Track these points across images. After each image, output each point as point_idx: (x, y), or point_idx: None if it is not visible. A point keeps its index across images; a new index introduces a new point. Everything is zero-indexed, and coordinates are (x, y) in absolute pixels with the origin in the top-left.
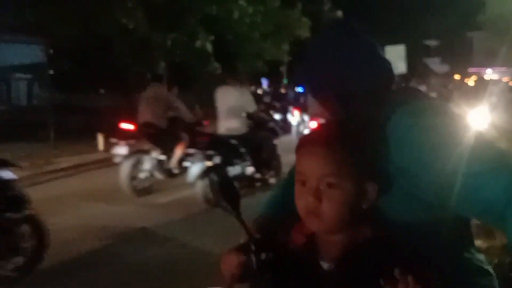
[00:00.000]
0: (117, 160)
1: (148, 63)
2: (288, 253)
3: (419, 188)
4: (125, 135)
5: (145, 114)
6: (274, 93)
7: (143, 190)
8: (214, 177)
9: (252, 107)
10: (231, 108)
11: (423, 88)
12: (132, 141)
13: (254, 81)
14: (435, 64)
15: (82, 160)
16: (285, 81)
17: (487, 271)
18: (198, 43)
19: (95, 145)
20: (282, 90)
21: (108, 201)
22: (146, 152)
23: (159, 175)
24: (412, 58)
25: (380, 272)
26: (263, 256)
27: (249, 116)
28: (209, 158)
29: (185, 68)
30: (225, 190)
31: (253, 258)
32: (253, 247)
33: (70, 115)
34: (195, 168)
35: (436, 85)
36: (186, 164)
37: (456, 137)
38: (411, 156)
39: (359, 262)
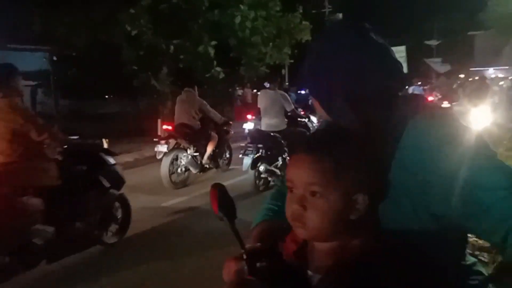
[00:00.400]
0: (159, 156)
1: (153, 69)
2: (280, 261)
3: (429, 196)
4: (165, 135)
5: (180, 116)
6: None
7: (180, 183)
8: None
9: (289, 106)
10: (272, 108)
11: (424, 88)
12: (171, 140)
13: (257, 85)
14: (437, 64)
15: None
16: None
17: (480, 272)
18: (201, 48)
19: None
20: None
21: (150, 193)
22: (183, 149)
23: (193, 170)
24: (413, 59)
25: (371, 285)
26: (257, 264)
27: (287, 114)
28: (257, 150)
29: (188, 73)
30: (222, 203)
31: (245, 267)
32: (244, 256)
33: (77, 121)
34: (247, 160)
35: (441, 84)
36: (240, 156)
37: (470, 149)
38: (424, 164)
39: (347, 274)
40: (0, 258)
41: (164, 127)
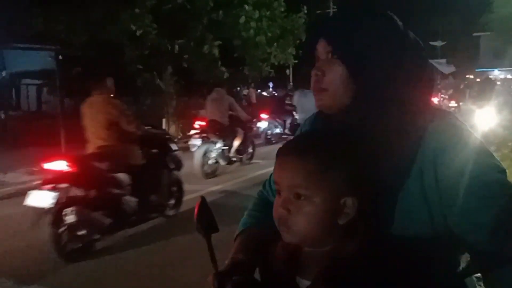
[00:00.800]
0: (193, 149)
1: (156, 69)
2: (268, 270)
3: (440, 199)
4: (198, 130)
5: (212, 113)
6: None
7: (210, 173)
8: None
9: None
10: (310, 105)
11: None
12: (204, 134)
13: (261, 85)
14: (441, 65)
15: None
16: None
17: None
18: (205, 48)
19: None
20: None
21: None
22: (213, 143)
23: (222, 162)
24: None
25: None
26: (234, 280)
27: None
28: None
29: (192, 73)
30: (201, 215)
31: (216, 284)
32: (214, 275)
33: (80, 120)
34: None
35: (448, 85)
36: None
37: (479, 159)
38: (437, 168)
39: (335, 281)
40: (100, 219)
41: (198, 123)
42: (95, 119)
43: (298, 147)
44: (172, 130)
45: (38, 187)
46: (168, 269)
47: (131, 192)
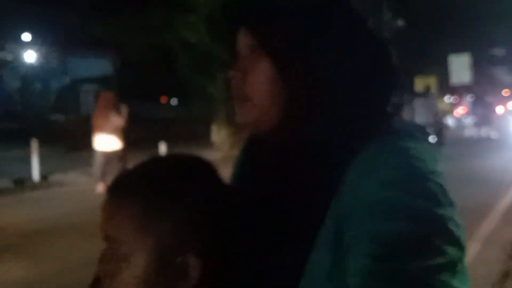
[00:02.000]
0: None
1: (208, 75)
2: None
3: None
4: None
5: None
6: None
7: None
8: None
9: None
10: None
11: (490, 99)
12: None
13: None
14: (503, 74)
15: None
16: None
17: None
18: None
19: (158, 153)
20: None
21: None
22: None
23: None
24: (477, 68)
25: None
26: None
27: None
28: None
29: None
30: None
31: None
32: None
33: (134, 124)
34: None
35: None
36: None
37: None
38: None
39: None
40: None
41: None
42: None
43: (116, 187)
44: (222, 136)
45: None
46: None
47: None
